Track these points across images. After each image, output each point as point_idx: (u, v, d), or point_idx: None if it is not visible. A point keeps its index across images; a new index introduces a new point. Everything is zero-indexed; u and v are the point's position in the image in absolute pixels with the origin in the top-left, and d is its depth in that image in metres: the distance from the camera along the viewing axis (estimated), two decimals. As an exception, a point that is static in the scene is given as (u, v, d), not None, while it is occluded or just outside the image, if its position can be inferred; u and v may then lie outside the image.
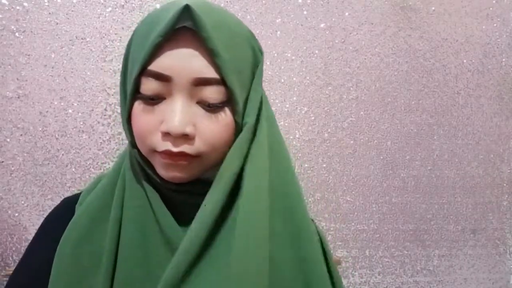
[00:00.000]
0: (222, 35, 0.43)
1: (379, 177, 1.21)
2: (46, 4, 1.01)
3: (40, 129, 1.01)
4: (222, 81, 0.43)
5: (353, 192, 1.19)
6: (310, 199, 1.16)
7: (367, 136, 1.20)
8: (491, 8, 1.28)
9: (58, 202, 0.57)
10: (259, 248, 0.44)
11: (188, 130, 0.42)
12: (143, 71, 0.43)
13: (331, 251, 0.56)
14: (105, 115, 1.04)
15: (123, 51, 0.50)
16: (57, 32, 1.01)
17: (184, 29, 0.43)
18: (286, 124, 1.14)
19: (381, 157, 1.21)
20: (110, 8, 1.04)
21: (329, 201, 1.18)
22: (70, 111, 1.02)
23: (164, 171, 0.45)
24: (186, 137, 0.43)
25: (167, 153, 0.43)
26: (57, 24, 1.01)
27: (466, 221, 1.28)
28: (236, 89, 0.44)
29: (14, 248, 1.01)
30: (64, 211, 0.53)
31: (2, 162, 1.00)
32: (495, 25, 1.28)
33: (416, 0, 1.22)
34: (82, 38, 1.02)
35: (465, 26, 1.26)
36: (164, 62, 0.42)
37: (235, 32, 0.46)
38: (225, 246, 0.43)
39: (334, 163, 1.18)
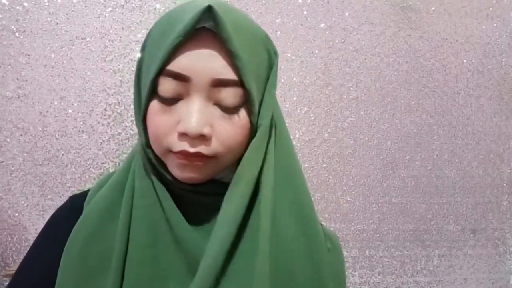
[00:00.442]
0: (241, 37, 0.43)
1: (379, 177, 1.21)
2: (46, 4, 1.01)
3: (40, 129, 1.01)
4: (240, 83, 0.43)
5: (353, 192, 1.19)
6: (310, 199, 1.16)
7: (367, 136, 1.20)
8: (491, 8, 1.28)
9: (58, 202, 0.57)
10: (284, 253, 0.46)
11: (206, 131, 0.42)
12: (162, 71, 0.43)
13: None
14: (105, 115, 1.04)
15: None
16: (57, 32, 1.01)
17: (203, 29, 0.42)
18: (286, 124, 1.14)
19: (381, 157, 1.21)
20: (110, 8, 1.04)
21: (329, 201, 1.18)
22: (70, 111, 1.02)
23: (179, 172, 0.45)
24: (203, 138, 0.43)
25: (183, 154, 0.43)
26: (57, 24, 1.01)
27: (466, 221, 1.28)
28: (253, 90, 0.44)
29: (14, 248, 1.01)
30: (72, 209, 0.53)
31: (2, 162, 1.00)
32: (495, 25, 1.28)
33: (416, 0, 1.22)
34: (82, 38, 1.02)
35: (465, 26, 1.26)
36: (183, 62, 0.42)
37: (253, 34, 0.46)
38: (249, 252, 0.44)
39: (334, 163, 1.18)
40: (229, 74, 0.43)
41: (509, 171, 1.31)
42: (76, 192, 0.94)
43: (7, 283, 0.52)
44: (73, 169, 1.03)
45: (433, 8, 1.24)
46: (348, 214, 1.19)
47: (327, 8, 1.16)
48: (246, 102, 0.45)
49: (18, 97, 1.00)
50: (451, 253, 1.26)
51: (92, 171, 1.04)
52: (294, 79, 1.15)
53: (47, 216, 0.55)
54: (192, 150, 0.42)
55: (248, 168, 0.45)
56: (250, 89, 0.44)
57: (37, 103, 1.01)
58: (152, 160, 0.48)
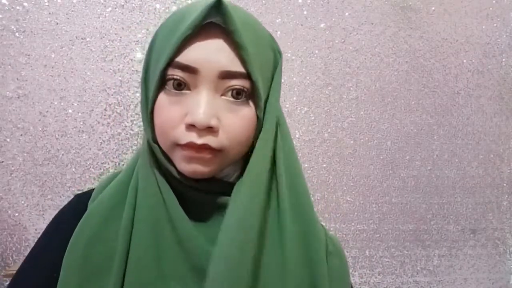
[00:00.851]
0: (248, 31, 0.44)
1: (379, 177, 1.21)
2: (46, 4, 1.01)
3: (40, 129, 1.01)
4: (247, 76, 0.44)
5: (353, 192, 1.19)
6: (310, 199, 1.16)
7: (367, 136, 1.20)
8: (491, 8, 1.28)
9: (58, 202, 0.57)
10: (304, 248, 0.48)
11: (213, 122, 0.42)
12: (170, 63, 0.43)
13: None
14: (105, 115, 1.04)
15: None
16: (57, 32, 1.01)
17: (211, 24, 0.43)
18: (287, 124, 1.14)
19: (381, 157, 1.21)
20: (110, 8, 1.04)
21: (329, 201, 1.18)
22: (70, 111, 1.02)
23: (186, 164, 0.44)
24: (210, 130, 0.43)
25: (190, 145, 0.43)
26: (57, 24, 1.01)
27: (466, 221, 1.28)
28: (259, 83, 0.45)
29: (14, 248, 1.01)
30: (77, 207, 0.52)
31: (2, 162, 1.00)
32: (495, 25, 1.28)
33: (416, 0, 1.22)
34: (82, 38, 1.02)
35: (465, 26, 1.26)
36: (192, 55, 0.43)
37: (259, 31, 0.48)
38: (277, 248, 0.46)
39: (334, 163, 1.18)
40: (237, 66, 0.43)
41: (509, 171, 1.31)
42: (77, 192, 0.95)
43: (7, 283, 0.51)
44: (73, 169, 1.03)
45: (433, 8, 1.24)
46: (348, 214, 1.19)
47: (327, 8, 1.16)
48: (253, 95, 0.45)
49: (18, 97, 1.00)
50: (451, 253, 1.26)
51: (92, 171, 1.04)
52: (294, 79, 1.15)
53: (47, 216, 0.55)
54: (199, 141, 0.42)
55: (261, 163, 0.47)
56: (257, 82, 0.44)
57: (37, 103, 1.01)
58: (158, 156, 0.48)
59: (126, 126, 1.05)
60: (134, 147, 1.05)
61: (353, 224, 1.19)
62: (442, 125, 1.26)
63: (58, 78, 1.01)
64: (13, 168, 1.00)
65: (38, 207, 1.01)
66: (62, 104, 1.02)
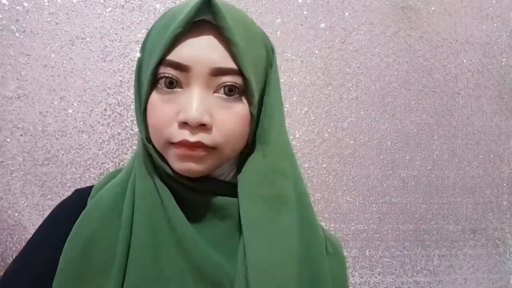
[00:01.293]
0: (239, 28, 0.44)
1: (379, 177, 1.21)
2: (46, 4, 1.01)
3: (40, 129, 1.01)
4: (239, 72, 0.44)
5: (353, 192, 1.19)
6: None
7: (367, 136, 1.20)
8: (491, 8, 1.28)
9: (58, 202, 0.56)
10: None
11: (206, 119, 0.42)
12: (162, 61, 0.43)
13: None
14: (105, 115, 1.04)
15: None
16: (57, 32, 1.01)
17: (203, 22, 0.43)
18: (286, 124, 1.14)
19: (381, 157, 1.21)
20: (110, 8, 1.04)
21: (329, 201, 1.18)
22: (70, 111, 1.02)
23: (180, 163, 0.44)
24: (203, 127, 0.43)
25: (184, 143, 0.43)
26: (57, 24, 1.01)
27: (466, 221, 1.27)
28: (252, 80, 0.45)
29: (14, 248, 1.01)
30: (76, 202, 0.52)
31: (2, 162, 1.00)
32: (495, 25, 1.28)
33: (416, 0, 1.22)
34: (82, 38, 1.02)
35: (465, 26, 1.26)
36: (183, 52, 0.43)
37: (251, 28, 0.47)
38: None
39: (334, 163, 1.18)
40: (228, 63, 0.43)
41: (509, 171, 1.31)
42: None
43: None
44: (73, 169, 1.03)
45: (433, 8, 1.23)
46: (348, 214, 1.19)
47: (327, 8, 1.16)
48: (246, 92, 0.45)
49: (18, 97, 1.00)
50: (451, 253, 1.26)
51: (92, 171, 1.04)
52: (294, 79, 1.15)
53: (47, 216, 0.55)
54: (192, 139, 0.42)
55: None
56: (249, 78, 0.44)
57: (37, 103, 1.01)
58: (152, 156, 0.48)
59: (126, 126, 1.05)
60: (134, 147, 1.05)
61: (353, 224, 1.19)
62: (442, 125, 1.26)
63: (58, 78, 1.01)
64: (13, 168, 1.00)
65: (38, 207, 1.01)
66: (62, 104, 1.02)
